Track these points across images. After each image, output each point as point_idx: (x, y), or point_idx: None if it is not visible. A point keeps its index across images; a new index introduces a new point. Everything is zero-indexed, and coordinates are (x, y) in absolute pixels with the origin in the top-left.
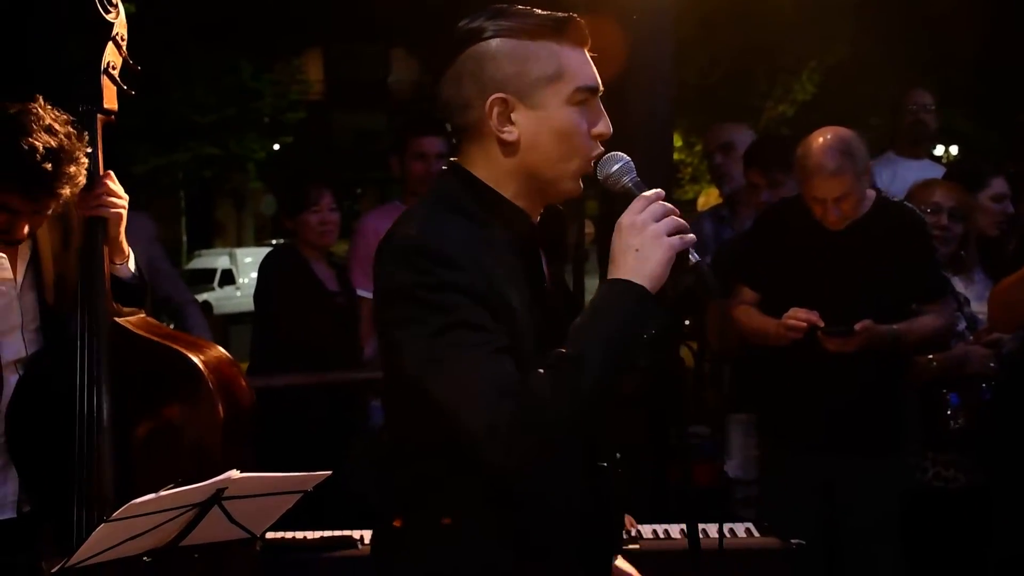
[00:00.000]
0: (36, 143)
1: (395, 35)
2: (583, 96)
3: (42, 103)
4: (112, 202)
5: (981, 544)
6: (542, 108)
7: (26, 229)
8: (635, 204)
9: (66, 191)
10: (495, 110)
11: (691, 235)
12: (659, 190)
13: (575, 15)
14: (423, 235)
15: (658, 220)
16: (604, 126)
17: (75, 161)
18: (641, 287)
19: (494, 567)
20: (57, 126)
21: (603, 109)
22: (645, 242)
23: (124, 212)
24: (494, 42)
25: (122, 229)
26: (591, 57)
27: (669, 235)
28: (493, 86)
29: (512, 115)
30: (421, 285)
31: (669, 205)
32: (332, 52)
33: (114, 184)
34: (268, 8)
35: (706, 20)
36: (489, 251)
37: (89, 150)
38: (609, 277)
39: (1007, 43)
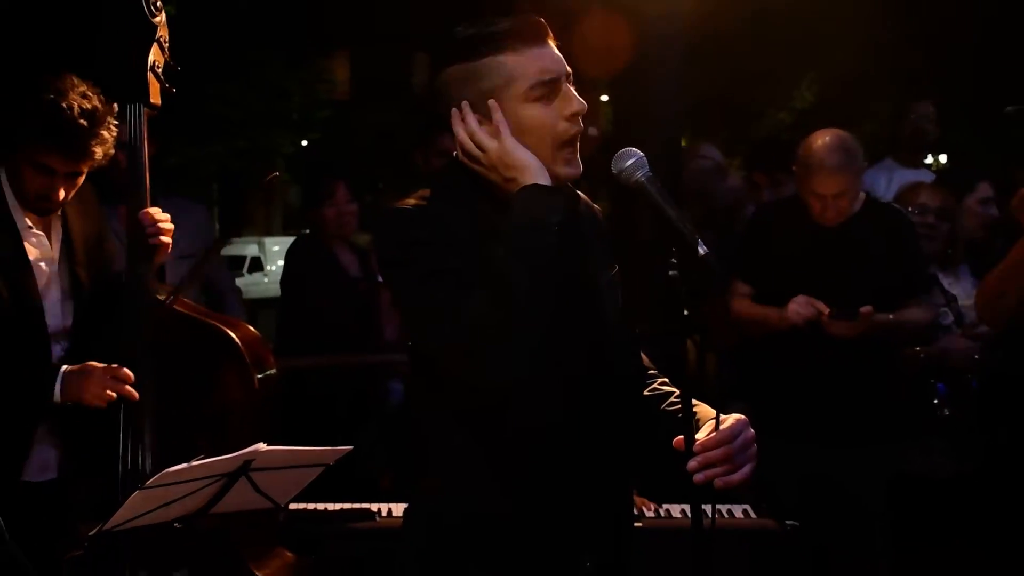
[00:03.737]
0: (74, 103)
1: (417, 40)
2: (541, 91)
3: (76, 77)
4: (159, 228)
5: (968, 531)
6: (503, 113)
7: (62, 194)
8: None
9: (99, 152)
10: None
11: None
12: None
13: (532, 17)
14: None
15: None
16: (576, 105)
17: (107, 125)
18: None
19: (501, 511)
20: (90, 93)
21: (572, 91)
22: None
23: (167, 240)
24: (447, 71)
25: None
26: (554, 45)
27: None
28: (458, 98)
29: (482, 121)
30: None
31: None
32: (358, 55)
33: (161, 216)
34: (299, 12)
35: (713, 34)
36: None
37: (116, 125)
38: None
39: (999, 56)
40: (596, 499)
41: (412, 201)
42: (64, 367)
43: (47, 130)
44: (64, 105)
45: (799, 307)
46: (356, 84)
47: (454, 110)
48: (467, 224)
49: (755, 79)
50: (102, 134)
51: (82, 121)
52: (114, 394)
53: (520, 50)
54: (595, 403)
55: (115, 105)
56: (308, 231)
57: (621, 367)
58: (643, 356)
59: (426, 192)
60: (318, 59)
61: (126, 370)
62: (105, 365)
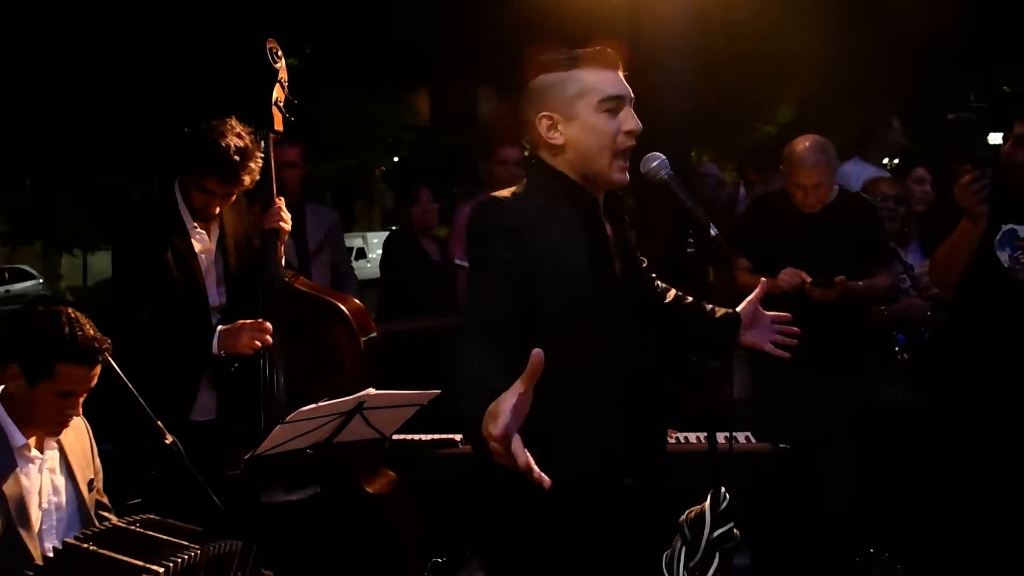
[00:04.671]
0: (231, 143)
1: (481, 77)
2: (609, 104)
3: (235, 120)
4: (282, 216)
5: (921, 450)
6: (577, 118)
7: (217, 209)
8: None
9: (247, 179)
10: (543, 123)
11: None
12: None
13: (605, 47)
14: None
15: None
16: (633, 124)
17: (255, 159)
18: None
19: (556, 438)
20: (244, 133)
21: (632, 113)
22: None
23: (288, 226)
24: (536, 80)
25: (285, 231)
26: (623, 76)
27: None
28: (541, 107)
29: (558, 126)
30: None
31: None
32: (435, 90)
33: (283, 207)
34: (388, 59)
35: (708, 62)
36: (555, 216)
37: (262, 155)
38: None
39: (936, 74)
40: (637, 431)
41: (506, 192)
42: (220, 326)
43: (210, 163)
44: (224, 144)
45: (787, 277)
46: (434, 113)
47: (541, 114)
48: (547, 206)
49: (743, 98)
50: (250, 166)
51: (236, 157)
52: (259, 343)
53: (597, 70)
54: (635, 354)
55: (262, 142)
56: (400, 227)
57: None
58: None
59: (518, 187)
60: (405, 94)
61: (267, 323)
62: (251, 321)
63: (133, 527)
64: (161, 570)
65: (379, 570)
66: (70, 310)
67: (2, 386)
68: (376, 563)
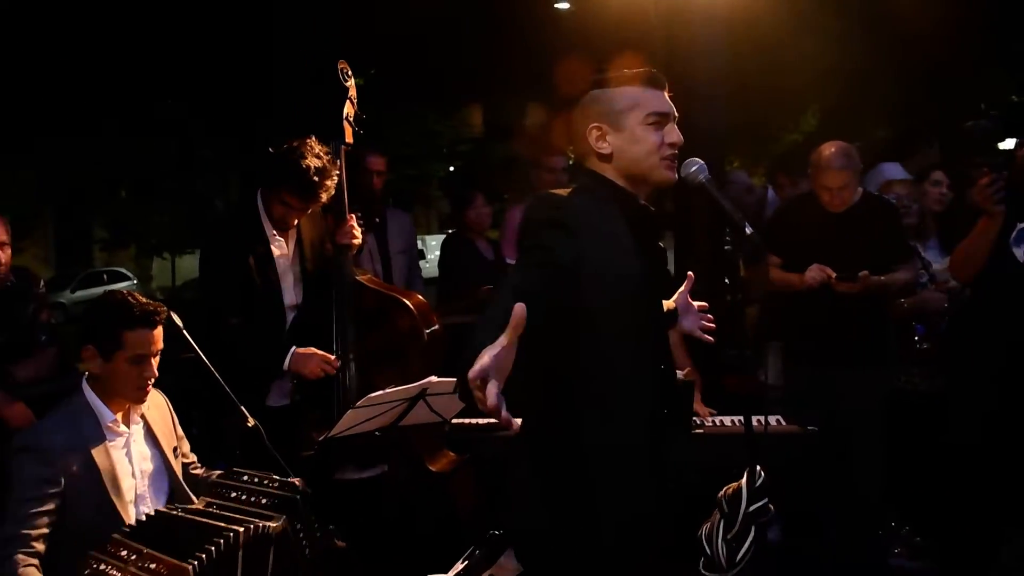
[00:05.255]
0: (310, 163)
1: (529, 94)
2: (655, 119)
3: (314, 140)
4: (354, 234)
5: (937, 430)
6: (626, 129)
7: (295, 221)
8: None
9: (324, 196)
10: (593, 133)
11: None
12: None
13: (653, 69)
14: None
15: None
16: (675, 136)
17: (332, 177)
18: None
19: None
20: (322, 153)
21: (675, 128)
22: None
23: (359, 241)
24: (591, 93)
25: (355, 247)
26: (668, 96)
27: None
28: (592, 119)
29: (607, 136)
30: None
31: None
32: (487, 105)
33: (355, 224)
34: (445, 78)
35: (738, 75)
36: (602, 215)
37: (338, 172)
38: None
39: (953, 81)
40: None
41: (559, 191)
42: (294, 347)
43: (292, 181)
44: (304, 164)
45: (814, 273)
46: (487, 126)
47: (592, 125)
48: (595, 208)
49: (769, 111)
50: (327, 183)
51: (315, 177)
52: (323, 373)
53: (646, 88)
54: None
55: (338, 161)
56: (456, 229)
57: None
58: None
59: (569, 189)
60: (460, 110)
61: (335, 360)
62: (323, 353)
63: (211, 507)
64: (242, 529)
65: (441, 542)
66: (123, 289)
67: (86, 372)
68: (438, 536)
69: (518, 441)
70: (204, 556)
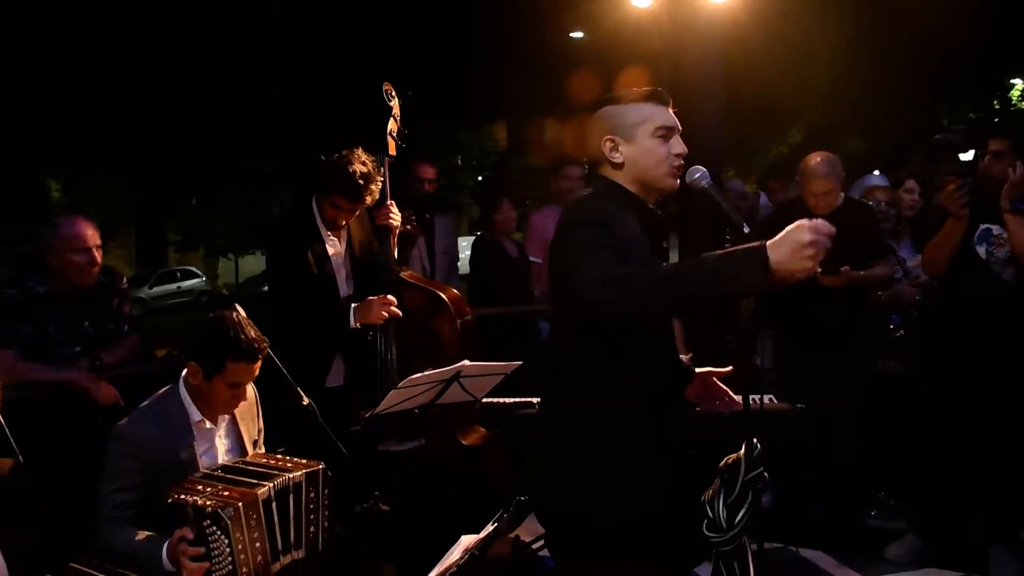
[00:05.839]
0: (357, 169)
1: (548, 112)
2: (663, 132)
3: (360, 149)
4: (392, 217)
5: (911, 409)
6: (635, 141)
7: (345, 221)
8: (823, 224)
9: (369, 199)
10: (607, 145)
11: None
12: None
13: (660, 88)
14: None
15: (818, 243)
16: (680, 148)
17: (376, 181)
18: (766, 258)
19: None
20: (367, 161)
21: (680, 141)
22: (800, 248)
23: (397, 224)
24: (605, 109)
25: (395, 233)
26: (673, 112)
27: (813, 259)
28: (606, 131)
29: (619, 148)
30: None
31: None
32: (511, 121)
33: (393, 208)
34: (472, 98)
35: (733, 100)
36: (624, 217)
37: (382, 179)
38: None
39: (921, 98)
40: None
41: (588, 196)
42: (352, 304)
43: (340, 185)
44: (352, 170)
45: None
46: (511, 140)
47: (606, 137)
48: (616, 214)
49: (760, 126)
50: (372, 187)
51: (361, 181)
52: (386, 313)
53: (655, 105)
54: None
55: (382, 168)
56: (484, 231)
57: None
58: None
59: (588, 194)
60: (487, 125)
61: (391, 296)
62: (379, 296)
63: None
64: (299, 473)
65: (472, 507)
66: (236, 314)
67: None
68: (470, 501)
69: (541, 418)
70: (270, 485)
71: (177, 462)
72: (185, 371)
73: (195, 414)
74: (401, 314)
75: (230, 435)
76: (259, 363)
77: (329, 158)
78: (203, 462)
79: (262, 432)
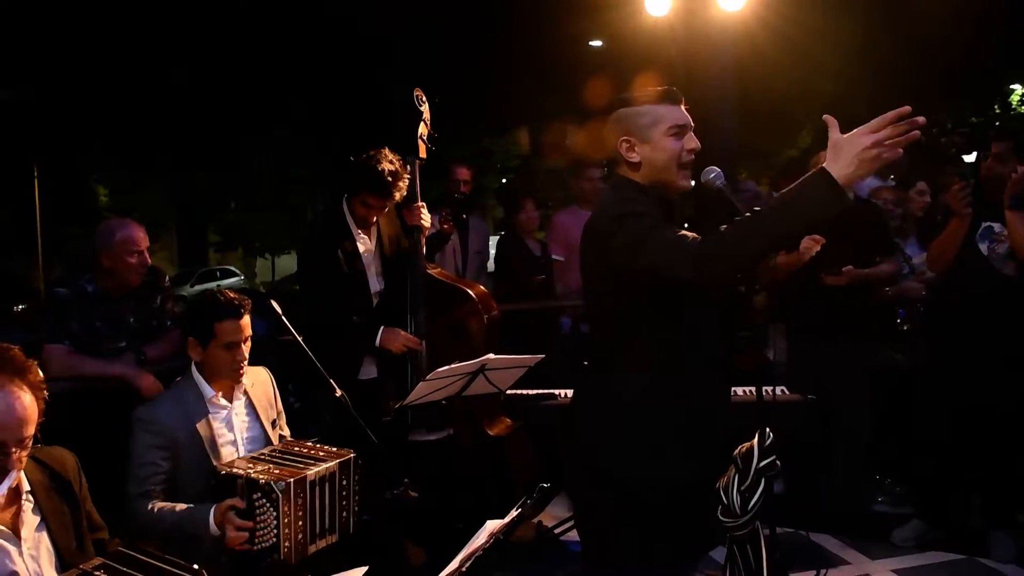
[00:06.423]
0: (385, 167)
1: (568, 117)
2: (676, 130)
3: (387, 149)
4: (423, 216)
5: (913, 396)
6: (651, 141)
7: (375, 218)
8: (877, 123)
9: (397, 196)
10: (624, 146)
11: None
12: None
13: (673, 88)
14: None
15: (879, 141)
16: (693, 143)
17: (403, 179)
18: (829, 174)
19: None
20: (394, 160)
21: (694, 136)
22: (862, 152)
23: (427, 224)
24: (620, 111)
25: (425, 232)
26: (685, 109)
27: (878, 159)
28: (622, 133)
29: (636, 147)
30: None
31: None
32: (533, 127)
33: (423, 209)
34: (498, 105)
35: (744, 99)
36: (652, 209)
37: (409, 176)
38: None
39: (928, 104)
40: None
41: (613, 194)
42: (383, 327)
43: (370, 183)
44: (380, 169)
45: (807, 244)
46: (533, 144)
47: (622, 138)
48: (645, 203)
49: (772, 130)
50: (400, 185)
51: (389, 179)
52: (405, 349)
53: (668, 105)
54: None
55: (408, 166)
56: (509, 230)
57: None
58: None
59: (611, 192)
60: (510, 130)
61: (416, 340)
62: (407, 333)
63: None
64: (334, 462)
65: (497, 493)
66: (215, 288)
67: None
68: (495, 488)
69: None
70: (316, 469)
71: (196, 437)
72: (188, 351)
73: (208, 391)
74: (421, 348)
75: (249, 414)
76: (246, 320)
77: (358, 157)
78: (222, 437)
79: (282, 414)
